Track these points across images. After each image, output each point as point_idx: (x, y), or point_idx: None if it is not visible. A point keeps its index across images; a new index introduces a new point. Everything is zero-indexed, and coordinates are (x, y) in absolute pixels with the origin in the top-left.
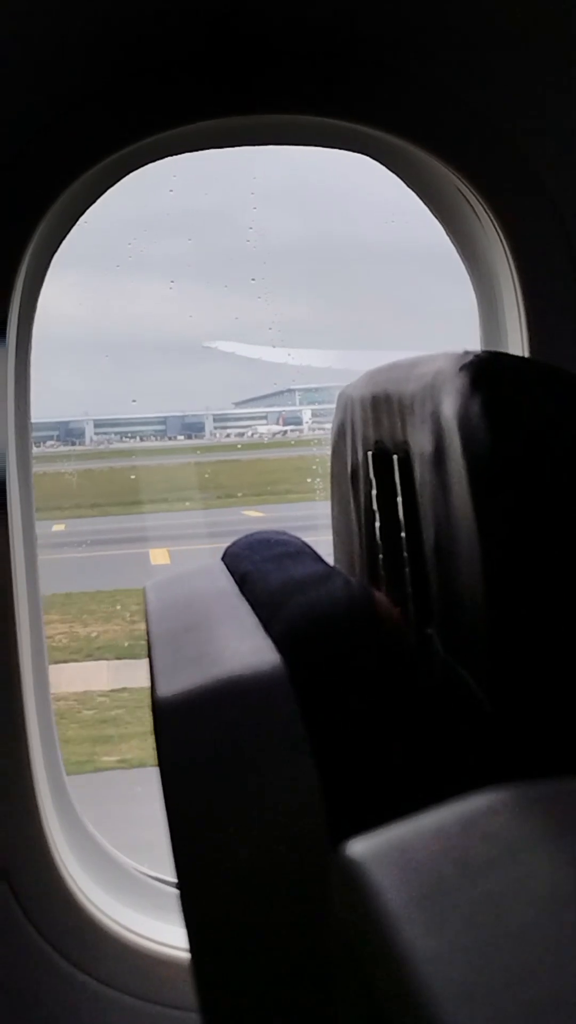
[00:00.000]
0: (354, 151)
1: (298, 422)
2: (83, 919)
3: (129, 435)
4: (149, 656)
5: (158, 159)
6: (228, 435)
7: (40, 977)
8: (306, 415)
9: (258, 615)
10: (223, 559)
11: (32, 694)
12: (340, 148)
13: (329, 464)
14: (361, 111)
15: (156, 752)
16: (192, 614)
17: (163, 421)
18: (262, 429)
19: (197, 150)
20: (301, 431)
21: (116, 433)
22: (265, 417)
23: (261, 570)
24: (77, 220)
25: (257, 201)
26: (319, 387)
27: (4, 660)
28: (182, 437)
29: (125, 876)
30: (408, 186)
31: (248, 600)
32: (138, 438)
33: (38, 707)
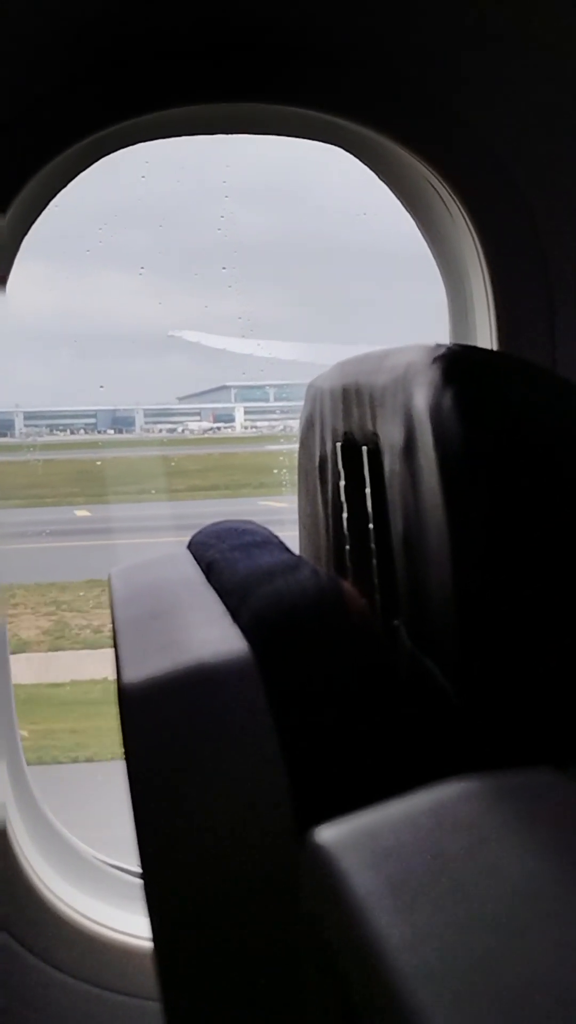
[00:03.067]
0: (326, 142)
1: (230, 419)
2: (43, 908)
3: (60, 428)
4: (115, 643)
5: (130, 145)
6: (161, 431)
7: None
8: (239, 413)
9: (225, 603)
10: (189, 547)
11: None
12: (313, 139)
13: (296, 456)
14: (333, 102)
15: (122, 739)
16: (158, 602)
17: (94, 415)
18: (193, 426)
19: (170, 137)
20: (233, 428)
21: (47, 426)
22: (199, 413)
23: (228, 558)
24: (47, 205)
25: (229, 190)
26: (254, 385)
27: None
28: (111, 431)
29: (85, 865)
30: (380, 178)
31: (215, 588)
32: (68, 431)
33: None
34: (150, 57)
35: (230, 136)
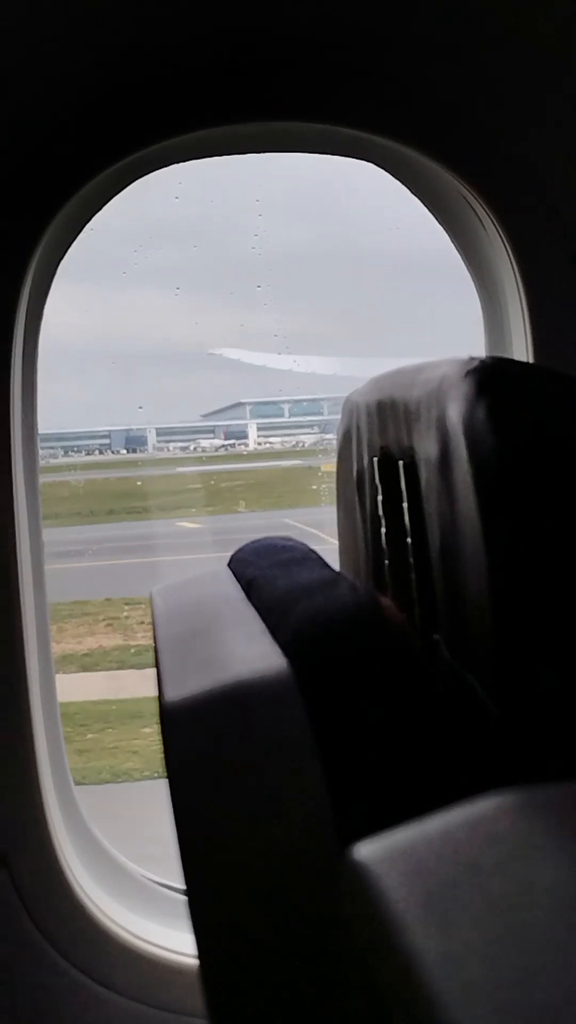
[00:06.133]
0: (359, 158)
1: (243, 436)
2: (89, 924)
3: (75, 449)
4: (156, 661)
5: (164, 166)
6: (170, 449)
7: (47, 982)
8: (252, 429)
9: (265, 620)
10: (229, 565)
11: (39, 702)
12: (345, 155)
13: (334, 473)
14: (366, 119)
15: (164, 757)
16: (199, 619)
17: (108, 435)
18: (205, 443)
19: (203, 157)
20: (246, 445)
21: (62, 447)
22: (212, 431)
23: (267, 576)
24: (83, 228)
25: (262, 208)
26: (269, 401)
27: (11, 668)
28: (124, 451)
29: (131, 882)
30: (413, 194)
31: (255, 605)
32: (84, 452)
33: (45, 715)
34: (181, 79)
35: (263, 155)
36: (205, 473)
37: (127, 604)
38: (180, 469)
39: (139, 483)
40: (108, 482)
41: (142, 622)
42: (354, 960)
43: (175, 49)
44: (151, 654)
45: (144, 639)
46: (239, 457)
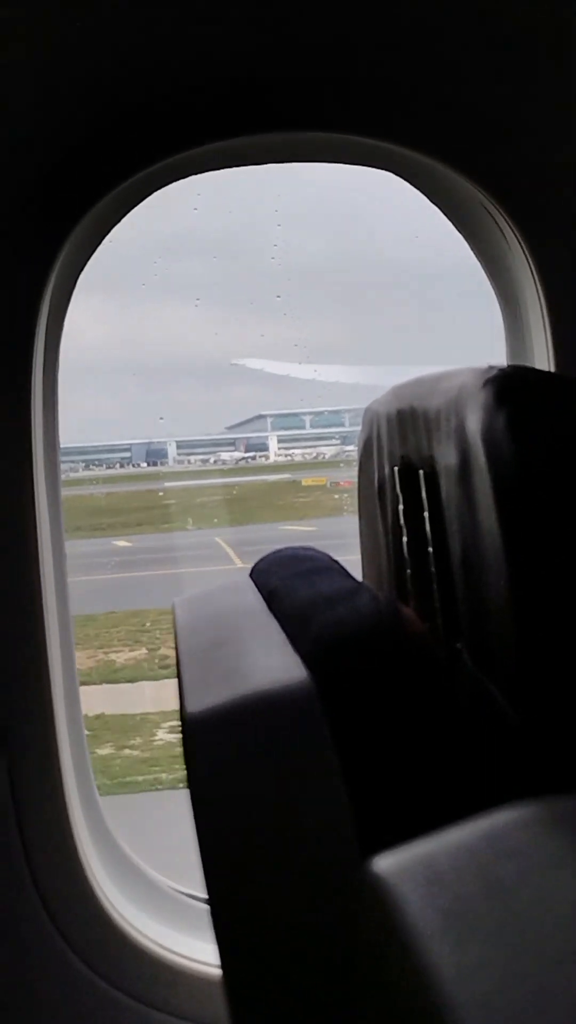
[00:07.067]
0: (379, 168)
1: (264, 448)
2: (115, 935)
3: (96, 463)
4: (178, 672)
5: (182, 178)
6: (191, 462)
7: (72, 992)
8: (272, 441)
9: (286, 631)
10: (251, 575)
11: (64, 715)
12: (365, 165)
13: (357, 481)
14: (386, 129)
15: (186, 768)
16: (221, 630)
17: (128, 448)
18: (225, 456)
19: (221, 168)
20: (267, 457)
21: (83, 461)
22: (233, 443)
23: (289, 586)
24: (102, 240)
25: (281, 219)
26: (290, 413)
27: (36, 681)
28: (145, 464)
29: (156, 892)
30: (433, 203)
31: (276, 616)
32: (104, 466)
33: (70, 728)
34: (199, 91)
35: (282, 165)
36: (189, 488)
37: None
38: (168, 484)
39: (149, 497)
40: (93, 498)
41: None
42: (372, 973)
43: (189, 63)
44: None
45: None
46: (238, 471)
